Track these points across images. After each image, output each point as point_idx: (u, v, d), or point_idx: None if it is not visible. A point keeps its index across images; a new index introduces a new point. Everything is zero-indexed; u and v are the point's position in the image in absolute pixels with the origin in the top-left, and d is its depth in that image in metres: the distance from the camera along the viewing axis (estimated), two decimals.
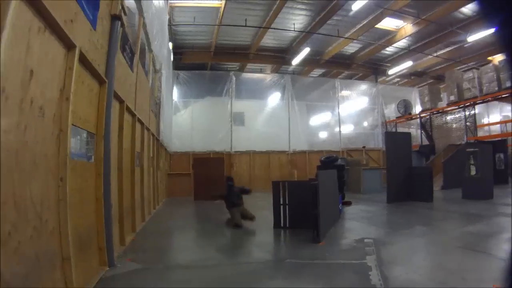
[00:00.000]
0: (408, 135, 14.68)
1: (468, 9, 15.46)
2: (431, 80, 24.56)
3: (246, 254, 6.47)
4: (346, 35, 17.83)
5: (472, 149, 12.98)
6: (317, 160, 13.57)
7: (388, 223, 9.25)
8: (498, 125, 22.10)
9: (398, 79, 26.24)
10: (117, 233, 5.97)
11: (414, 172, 13.02)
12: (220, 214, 12.51)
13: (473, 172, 12.49)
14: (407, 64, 20.46)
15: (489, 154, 12.86)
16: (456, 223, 8.85)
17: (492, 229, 7.77)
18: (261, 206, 13.53)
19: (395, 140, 13.46)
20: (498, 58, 18.00)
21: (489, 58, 19.17)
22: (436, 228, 8.23)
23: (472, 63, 18.63)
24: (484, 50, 18.91)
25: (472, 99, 18.06)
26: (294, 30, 17.26)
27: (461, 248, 6.01)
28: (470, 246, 6.11)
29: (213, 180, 15.27)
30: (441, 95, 21.08)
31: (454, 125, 19.97)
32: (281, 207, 8.51)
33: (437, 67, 23.35)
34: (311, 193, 7.05)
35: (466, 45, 18.35)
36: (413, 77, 25.25)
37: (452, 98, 19.05)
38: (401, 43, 19.22)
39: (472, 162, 12.56)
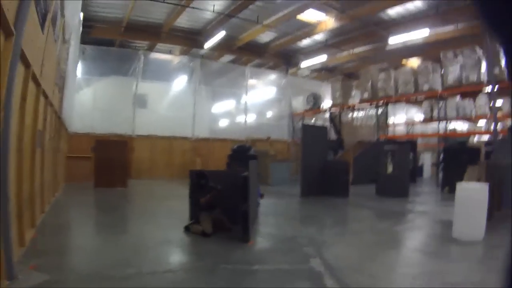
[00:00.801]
0: (324, 129, 14.80)
1: (394, 11, 15.82)
2: (342, 76, 25.20)
3: (170, 258, 5.58)
4: (265, 22, 17.43)
5: (391, 147, 13.45)
6: (221, 148, 13.00)
7: (312, 219, 8.98)
8: (402, 126, 23.66)
9: (309, 73, 26.64)
10: (15, 232, 4.71)
11: (330, 166, 12.97)
12: (124, 203, 11.40)
13: (390, 169, 12.97)
14: (321, 58, 20.55)
15: (407, 153, 13.27)
16: (384, 221, 8.86)
17: (422, 228, 8.13)
18: (165, 196, 12.65)
19: (311, 133, 13.24)
20: (413, 62, 19.03)
21: (403, 62, 20.25)
22: (366, 226, 8.26)
23: (385, 64, 19.38)
24: (400, 53, 19.64)
25: (387, 98, 18.83)
26: (213, 12, 16.38)
27: (404, 248, 6.06)
28: (410, 245, 6.21)
29: (115, 165, 13.91)
30: (353, 92, 21.59)
31: (363, 123, 20.88)
32: None
33: (350, 64, 24.03)
34: (237, 185, 6.50)
35: (385, 47, 18.77)
36: (324, 72, 25.75)
37: (365, 95, 19.78)
38: (319, 37, 19.36)
39: (389, 160, 13.02)
